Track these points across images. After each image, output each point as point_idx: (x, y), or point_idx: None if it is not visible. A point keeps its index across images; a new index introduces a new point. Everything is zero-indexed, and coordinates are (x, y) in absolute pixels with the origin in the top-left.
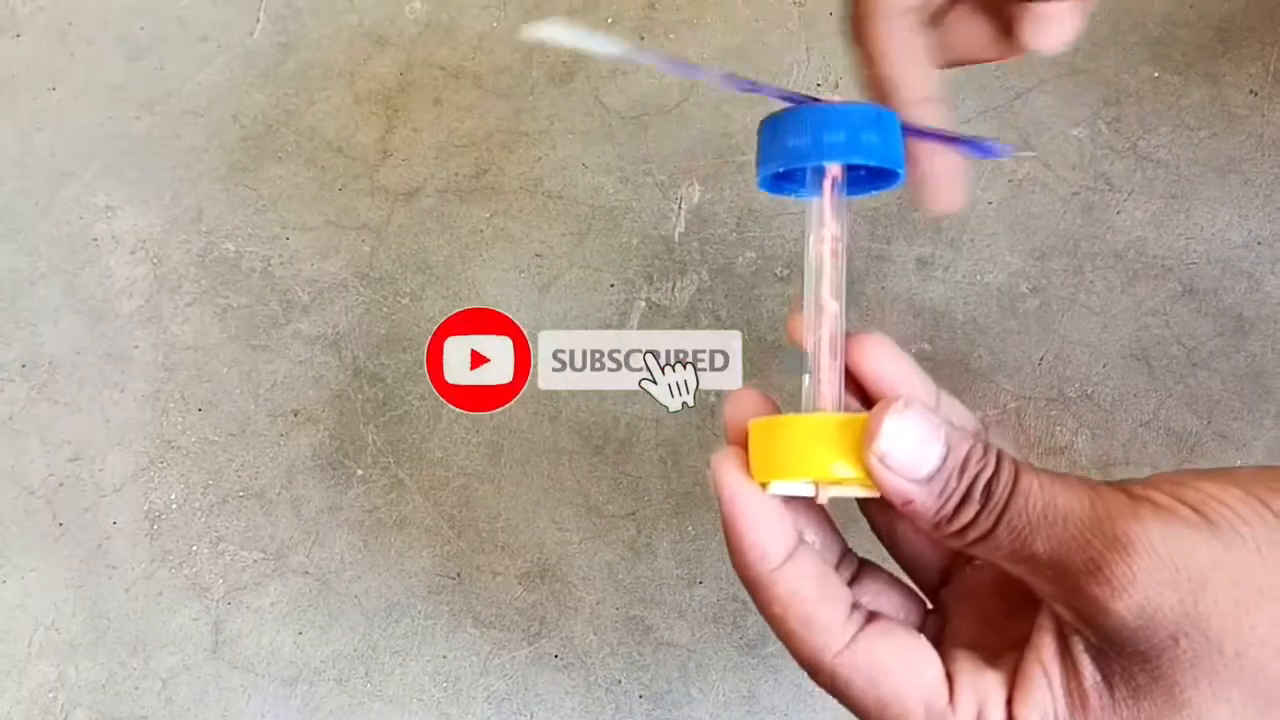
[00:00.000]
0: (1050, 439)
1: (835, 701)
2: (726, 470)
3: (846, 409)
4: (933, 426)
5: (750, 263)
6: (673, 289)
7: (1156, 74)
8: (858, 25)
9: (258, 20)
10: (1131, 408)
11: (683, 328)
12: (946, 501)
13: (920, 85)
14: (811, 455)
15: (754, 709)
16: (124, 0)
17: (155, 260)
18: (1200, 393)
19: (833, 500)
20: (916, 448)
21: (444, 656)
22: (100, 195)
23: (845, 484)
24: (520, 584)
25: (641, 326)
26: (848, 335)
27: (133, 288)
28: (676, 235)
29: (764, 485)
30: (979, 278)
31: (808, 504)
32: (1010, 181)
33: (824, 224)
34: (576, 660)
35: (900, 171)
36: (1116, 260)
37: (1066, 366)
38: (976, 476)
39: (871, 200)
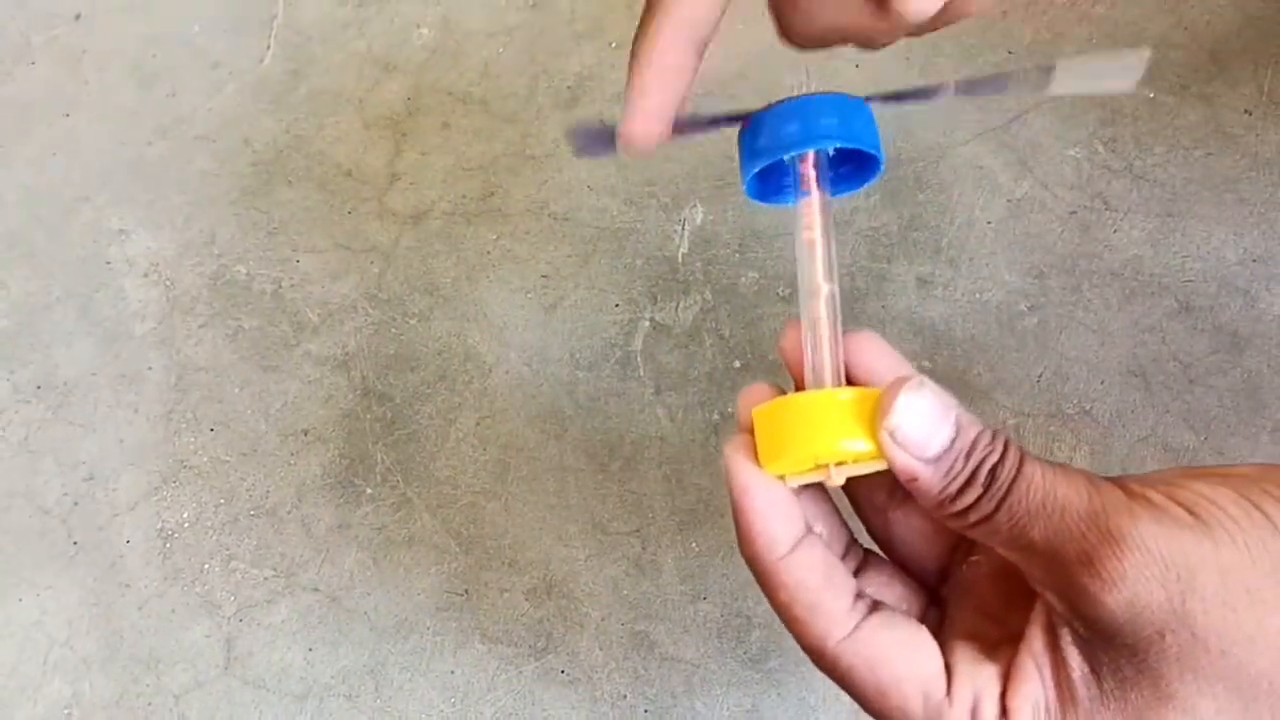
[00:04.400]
0: (1049, 455)
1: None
2: (737, 460)
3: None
4: (944, 407)
5: (753, 282)
6: (676, 309)
7: (1152, 95)
8: (639, 30)
9: (268, 48)
10: (1129, 424)
11: (686, 346)
12: (951, 482)
13: (659, 102)
14: (821, 432)
15: None
16: (137, 28)
17: (168, 283)
18: (1197, 408)
19: (838, 493)
20: (927, 425)
21: (452, 672)
22: (114, 219)
23: (855, 459)
24: (527, 600)
25: (645, 346)
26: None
27: (146, 310)
28: (680, 256)
29: (781, 478)
30: (978, 296)
31: (815, 497)
32: (1009, 201)
33: (814, 208)
34: (582, 675)
35: (881, 159)
36: (1114, 278)
37: (1065, 383)
38: (983, 461)
39: (872, 221)
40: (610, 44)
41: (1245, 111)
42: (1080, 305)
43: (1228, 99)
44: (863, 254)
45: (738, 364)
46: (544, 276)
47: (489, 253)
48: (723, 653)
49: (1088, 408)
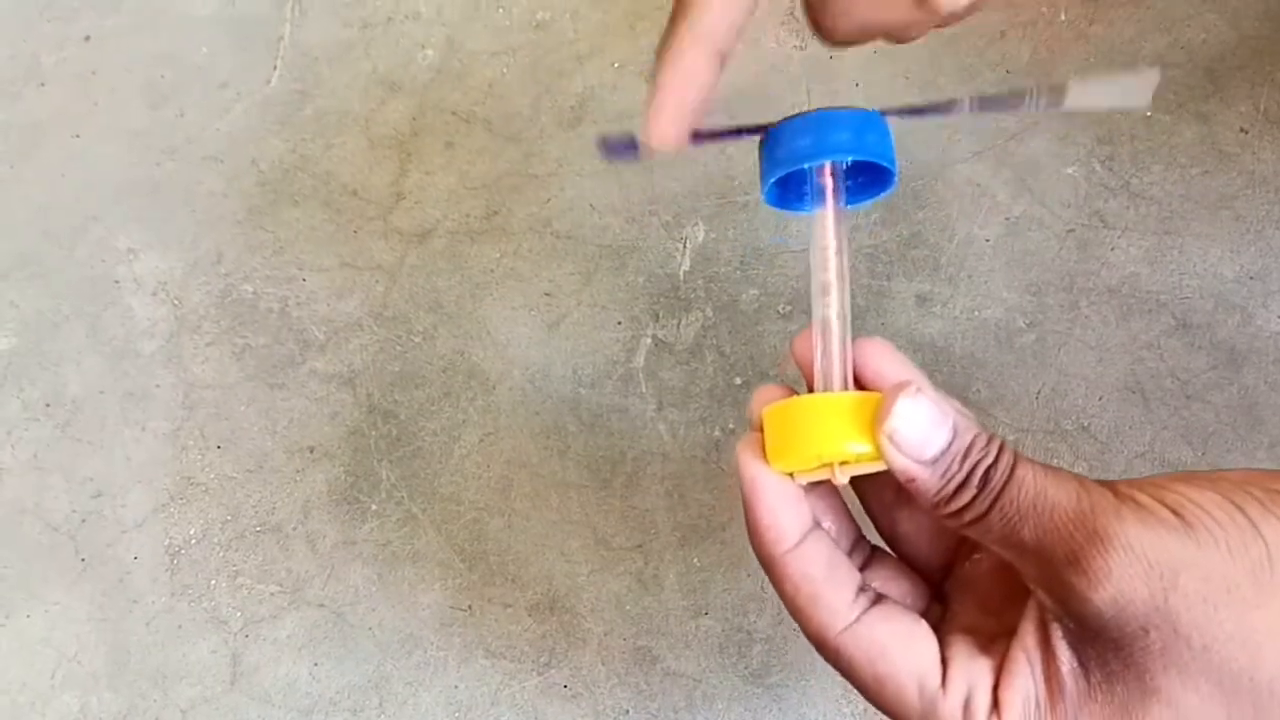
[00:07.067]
0: None
1: None
2: (748, 457)
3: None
4: (942, 412)
5: (754, 300)
6: (678, 326)
7: (1148, 113)
8: (663, 40)
9: (275, 68)
10: (1127, 440)
11: (688, 363)
12: (948, 483)
13: (680, 102)
14: (825, 432)
15: None
16: (146, 50)
17: (176, 301)
18: (1195, 425)
19: (848, 492)
20: (925, 429)
21: (456, 687)
22: (123, 239)
23: (857, 460)
24: (530, 615)
25: (647, 363)
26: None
27: (154, 328)
28: (682, 273)
29: (790, 475)
30: (977, 313)
31: (825, 493)
32: (1006, 219)
33: (828, 218)
34: (585, 690)
35: (894, 172)
36: (1111, 295)
37: (1063, 400)
38: (977, 463)
39: (871, 238)
40: (613, 64)
41: (1241, 130)
42: (1078, 322)
43: (1224, 117)
44: (862, 271)
45: (739, 380)
46: (547, 294)
47: (492, 271)
48: (724, 668)
49: (1086, 424)
